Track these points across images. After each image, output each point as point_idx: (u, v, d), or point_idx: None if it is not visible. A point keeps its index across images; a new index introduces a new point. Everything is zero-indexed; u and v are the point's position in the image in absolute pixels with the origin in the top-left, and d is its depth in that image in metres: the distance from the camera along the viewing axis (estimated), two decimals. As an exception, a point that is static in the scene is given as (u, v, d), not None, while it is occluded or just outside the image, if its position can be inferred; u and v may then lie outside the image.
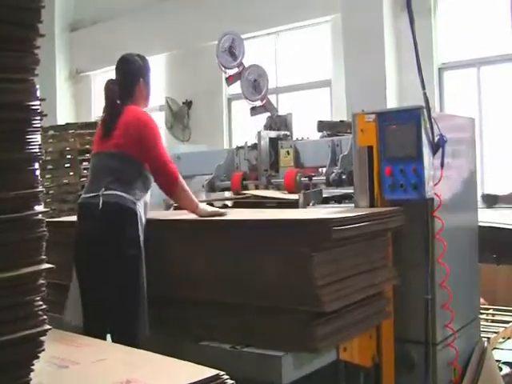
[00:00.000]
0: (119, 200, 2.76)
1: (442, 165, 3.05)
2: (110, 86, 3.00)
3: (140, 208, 2.81)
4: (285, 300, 2.43)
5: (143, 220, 2.83)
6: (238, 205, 3.80)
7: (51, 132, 8.38)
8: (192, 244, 2.81)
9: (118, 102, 2.99)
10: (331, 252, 2.48)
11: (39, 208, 1.47)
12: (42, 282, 1.41)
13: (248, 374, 2.42)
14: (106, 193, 2.77)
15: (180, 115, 9.37)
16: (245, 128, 8.16)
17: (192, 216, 2.91)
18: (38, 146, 1.46)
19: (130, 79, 3.02)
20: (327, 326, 2.42)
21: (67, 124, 8.83)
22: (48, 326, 1.38)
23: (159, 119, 9.35)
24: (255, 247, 2.55)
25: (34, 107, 1.45)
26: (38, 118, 1.46)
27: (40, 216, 1.46)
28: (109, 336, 2.78)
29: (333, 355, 2.60)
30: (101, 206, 2.73)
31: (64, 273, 2.75)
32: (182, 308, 2.78)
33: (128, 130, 2.87)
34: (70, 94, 11.04)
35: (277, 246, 2.48)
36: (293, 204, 3.39)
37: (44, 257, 1.44)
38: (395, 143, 3.04)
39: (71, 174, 8.23)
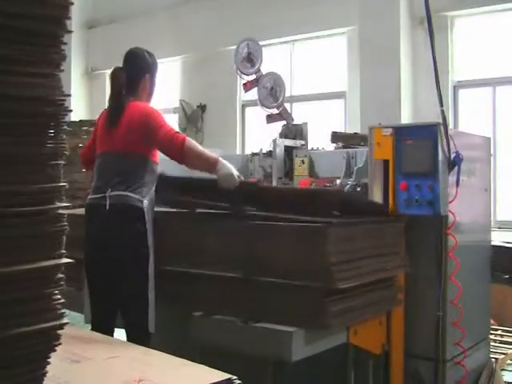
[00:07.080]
0: (126, 200, 2.75)
1: (458, 182, 3.04)
2: (116, 74, 2.94)
3: (146, 204, 2.78)
4: (297, 275, 2.40)
5: (150, 215, 2.80)
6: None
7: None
8: (205, 219, 2.80)
9: (123, 92, 2.91)
10: (345, 230, 2.48)
11: (60, 203, 1.47)
12: (60, 275, 1.41)
13: (259, 349, 2.40)
14: (112, 194, 2.76)
15: (194, 118, 9.39)
16: (256, 134, 8.16)
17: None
18: (62, 141, 1.46)
19: (135, 72, 2.96)
20: (339, 303, 2.41)
21: (81, 121, 8.85)
22: (66, 320, 1.38)
23: (173, 121, 9.38)
24: (269, 222, 2.55)
25: (59, 102, 1.45)
26: (64, 112, 1.46)
27: (61, 210, 1.46)
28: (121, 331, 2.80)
29: (343, 337, 2.57)
30: (108, 207, 2.73)
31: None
32: (194, 283, 2.75)
33: (132, 127, 2.83)
34: (85, 91, 11.09)
35: (291, 221, 2.47)
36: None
37: (64, 251, 1.44)
38: (411, 158, 3.04)
39: (83, 170, 8.24)
